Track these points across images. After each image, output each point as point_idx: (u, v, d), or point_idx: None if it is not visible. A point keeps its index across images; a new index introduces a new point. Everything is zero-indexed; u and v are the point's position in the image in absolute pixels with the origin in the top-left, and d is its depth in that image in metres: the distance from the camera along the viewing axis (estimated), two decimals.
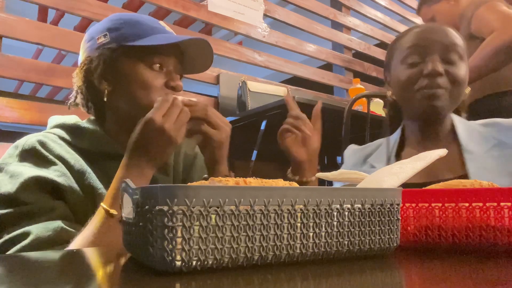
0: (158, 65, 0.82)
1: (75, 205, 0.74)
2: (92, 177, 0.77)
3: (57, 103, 1.64)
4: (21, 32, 1.57)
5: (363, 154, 1.10)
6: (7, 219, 0.69)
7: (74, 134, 0.82)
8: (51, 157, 0.75)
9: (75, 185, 0.75)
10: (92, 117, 0.89)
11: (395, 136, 1.07)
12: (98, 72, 0.82)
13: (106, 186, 0.76)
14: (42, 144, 0.76)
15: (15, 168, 0.72)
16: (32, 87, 4.62)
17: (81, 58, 0.86)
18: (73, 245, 0.65)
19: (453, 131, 0.99)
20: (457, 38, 0.96)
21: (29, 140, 0.77)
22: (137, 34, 0.82)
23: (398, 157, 1.03)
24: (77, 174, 0.77)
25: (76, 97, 0.88)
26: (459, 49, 0.95)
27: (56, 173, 0.74)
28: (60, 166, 0.75)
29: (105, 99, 0.83)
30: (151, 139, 0.69)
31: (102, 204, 0.66)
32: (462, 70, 0.95)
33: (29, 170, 0.72)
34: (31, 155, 0.75)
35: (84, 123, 0.85)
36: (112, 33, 0.83)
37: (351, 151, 1.15)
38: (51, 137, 0.80)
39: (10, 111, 1.50)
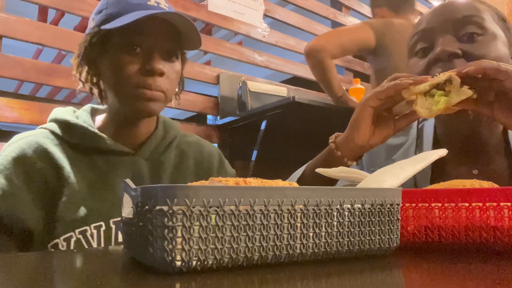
0: (139, 48, 0.74)
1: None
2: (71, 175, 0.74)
3: (57, 103, 1.64)
4: (21, 32, 1.57)
5: (385, 149, 0.89)
6: None
7: (64, 130, 0.79)
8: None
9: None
10: (89, 107, 0.85)
11: (429, 135, 0.84)
12: (86, 60, 0.78)
13: (93, 179, 0.75)
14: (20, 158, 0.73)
15: None
16: (32, 87, 4.61)
17: None
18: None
19: (504, 136, 0.78)
20: (477, 8, 0.73)
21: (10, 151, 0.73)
22: (116, 13, 0.74)
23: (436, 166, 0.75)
24: (59, 171, 0.74)
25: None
26: (479, 19, 0.71)
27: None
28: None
29: (99, 88, 0.81)
30: None
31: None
32: (488, 46, 0.70)
33: None
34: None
35: (75, 118, 0.80)
36: (98, 15, 0.77)
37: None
38: (42, 135, 0.77)
39: (10, 111, 1.50)
